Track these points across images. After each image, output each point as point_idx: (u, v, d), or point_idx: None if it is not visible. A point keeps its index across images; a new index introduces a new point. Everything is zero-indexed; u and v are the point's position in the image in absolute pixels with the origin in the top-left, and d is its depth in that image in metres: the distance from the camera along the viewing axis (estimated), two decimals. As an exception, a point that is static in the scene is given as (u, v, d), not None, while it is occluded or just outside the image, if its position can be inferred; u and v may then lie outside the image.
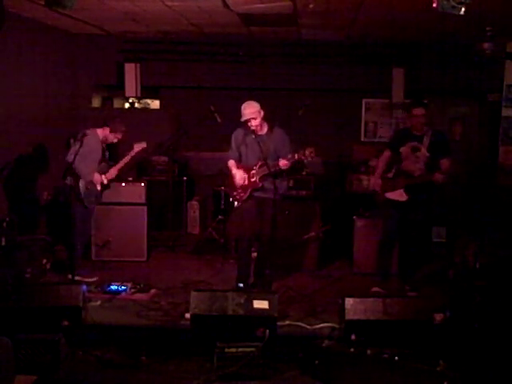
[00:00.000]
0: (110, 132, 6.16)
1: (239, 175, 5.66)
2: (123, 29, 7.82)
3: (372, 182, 6.17)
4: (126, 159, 6.35)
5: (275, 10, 6.25)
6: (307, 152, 5.33)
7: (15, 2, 5.93)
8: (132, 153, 6.34)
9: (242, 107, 5.52)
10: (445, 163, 5.67)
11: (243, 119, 5.50)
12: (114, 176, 6.30)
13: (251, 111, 5.47)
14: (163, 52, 8.55)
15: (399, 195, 5.78)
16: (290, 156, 5.39)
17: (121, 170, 6.38)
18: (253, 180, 5.60)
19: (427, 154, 5.68)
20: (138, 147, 6.36)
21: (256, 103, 5.53)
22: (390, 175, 5.93)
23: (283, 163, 5.40)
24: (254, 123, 5.47)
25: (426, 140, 5.70)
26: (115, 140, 6.25)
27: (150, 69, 8.57)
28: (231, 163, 5.76)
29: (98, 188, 6.19)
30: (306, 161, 5.50)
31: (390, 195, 5.84)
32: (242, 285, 5.77)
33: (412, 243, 5.81)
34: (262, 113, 5.53)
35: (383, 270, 5.98)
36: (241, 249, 5.95)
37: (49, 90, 7.66)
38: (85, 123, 7.81)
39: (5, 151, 6.50)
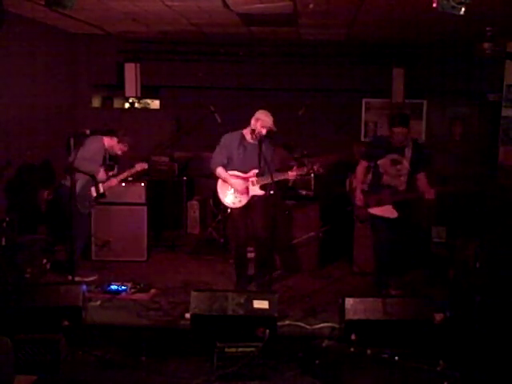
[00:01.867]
0: (118, 142, 6.16)
1: (239, 186, 5.61)
2: (123, 29, 7.83)
3: (357, 197, 5.74)
4: (125, 175, 6.36)
5: (275, 10, 6.25)
6: (315, 167, 5.46)
7: (15, 2, 5.93)
8: (133, 170, 6.38)
9: (264, 114, 5.51)
10: (422, 179, 5.50)
11: (264, 125, 5.47)
12: (112, 186, 6.27)
13: (271, 120, 5.48)
14: (163, 52, 8.55)
15: (389, 212, 5.54)
16: (296, 169, 5.51)
17: (118, 183, 6.38)
18: (253, 187, 5.62)
19: (409, 168, 5.47)
20: (139, 167, 6.40)
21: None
22: (365, 187, 5.69)
23: (292, 175, 5.52)
24: (264, 132, 5.49)
25: (407, 152, 5.47)
26: (119, 152, 6.25)
27: (150, 69, 8.56)
28: (222, 172, 5.66)
29: (93, 194, 6.14)
30: (313, 174, 5.54)
31: (377, 211, 5.59)
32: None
33: (402, 249, 5.68)
34: None
35: (383, 283, 5.71)
36: (236, 252, 5.94)
37: (49, 90, 7.67)
38: (85, 123, 7.82)
39: (5, 151, 6.49)
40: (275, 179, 5.40)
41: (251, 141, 5.57)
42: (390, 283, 5.74)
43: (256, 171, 5.57)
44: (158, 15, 6.69)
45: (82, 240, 6.18)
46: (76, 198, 5.87)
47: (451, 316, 4.69)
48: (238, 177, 5.66)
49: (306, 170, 5.50)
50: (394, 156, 5.49)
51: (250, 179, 5.61)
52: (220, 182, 5.77)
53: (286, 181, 5.67)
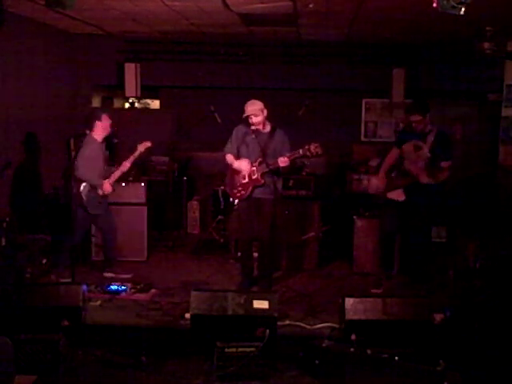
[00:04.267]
0: (102, 122, 5.91)
1: (244, 165, 5.64)
2: (123, 29, 7.83)
3: (375, 181, 6.09)
4: (130, 161, 6.02)
5: (275, 10, 6.25)
6: (312, 147, 5.31)
7: (15, 2, 5.93)
8: (136, 153, 6.02)
9: (246, 104, 5.62)
10: (443, 167, 5.53)
11: (244, 116, 5.59)
12: (116, 178, 6.03)
13: (253, 108, 5.57)
14: (163, 52, 8.56)
15: (397, 195, 5.79)
16: (289, 154, 5.41)
17: (124, 173, 6.13)
18: (254, 177, 5.62)
19: (428, 155, 5.53)
20: (142, 147, 6.02)
21: (259, 102, 5.61)
22: (393, 175, 5.94)
23: (282, 161, 5.41)
24: (254, 120, 5.56)
25: (429, 139, 5.58)
26: (110, 128, 6.00)
27: (150, 69, 8.57)
28: (230, 157, 5.75)
29: (100, 193, 5.97)
30: (311, 156, 5.45)
31: (390, 195, 5.85)
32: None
33: (412, 243, 5.91)
34: (266, 112, 5.61)
35: (385, 266, 6.11)
36: (241, 250, 6.02)
37: (49, 90, 7.67)
38: (85, 123, 7.81)
39: (5, 151, 6.49)
40: (266, 170, 5.48)
41: (261, 130, 5.63)
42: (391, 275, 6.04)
43: (260, 160, 5.58)
44: (158, 15, 6.70)
45: (112, 238, 6.23)
46: (84, 204, 5.88)
47: (451, 316, 4.68)
48: (243, 161, 5.71)
49: (301, 151, 5.33)
50: (417, 142, 5.63)
51: (252, 168, 5.64)
52: (228, 174, 5.84)
53: (281, 169, 5.60)
